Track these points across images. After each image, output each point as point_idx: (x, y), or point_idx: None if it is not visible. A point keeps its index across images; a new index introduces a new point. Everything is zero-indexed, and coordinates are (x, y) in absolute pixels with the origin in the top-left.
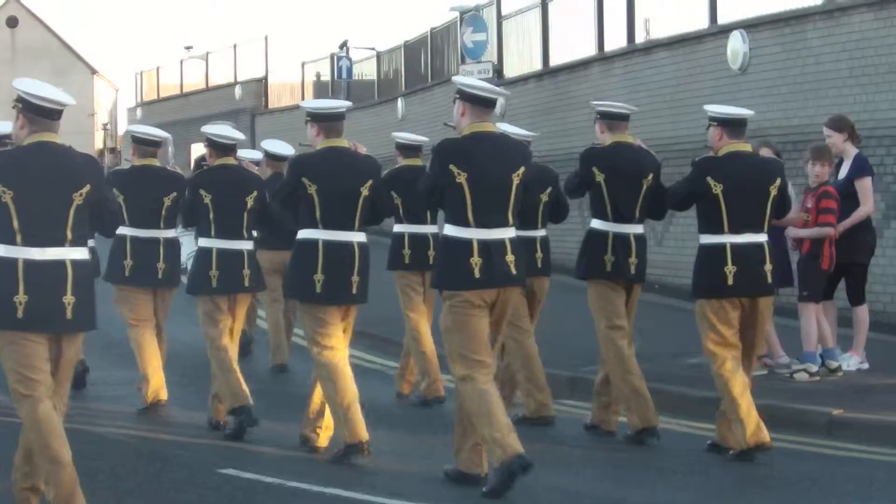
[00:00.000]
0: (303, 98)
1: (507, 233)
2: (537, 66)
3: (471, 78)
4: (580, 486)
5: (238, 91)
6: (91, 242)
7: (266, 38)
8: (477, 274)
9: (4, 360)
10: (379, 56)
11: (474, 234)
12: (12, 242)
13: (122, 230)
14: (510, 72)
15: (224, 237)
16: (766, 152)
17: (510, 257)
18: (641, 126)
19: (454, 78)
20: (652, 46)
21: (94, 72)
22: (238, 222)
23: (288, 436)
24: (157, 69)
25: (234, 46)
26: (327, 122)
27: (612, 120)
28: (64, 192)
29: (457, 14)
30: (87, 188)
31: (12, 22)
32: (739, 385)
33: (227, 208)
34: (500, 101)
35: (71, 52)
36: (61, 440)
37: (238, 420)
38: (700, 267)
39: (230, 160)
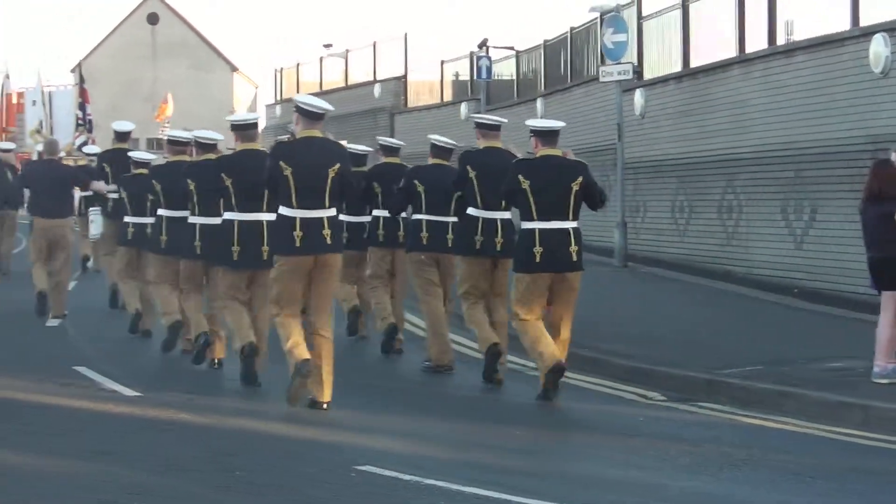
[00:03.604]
0: (441, 98)
1: (325, 213)
2: (677, 67)
3: (307, 96)
4: (715, 488)
5: (377, 89)
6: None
7: (406, 37)
8: (298, 244)
9: None
10: (518, 56)
11: (297, 213)
12: None
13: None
14: (650, 73)
15: (207, 215)
16: None
17: (326, 231)
18: (779, 129)
19: (294, 96)
20: (792, 49)
21: (233, 69)
22: (217, 203)
23: (426, 432)
24: (297, 66)
25: (374, 44)
26: (242, 130)
27: (485, 129)
28: None
29: (597, 14)
30: None
31: (153, 19)
32: (538, 334)
33: (209, 193)
34: (640, 102)
35: (211, 48)
36: None
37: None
38: (517, 248)
39: (211, 155)
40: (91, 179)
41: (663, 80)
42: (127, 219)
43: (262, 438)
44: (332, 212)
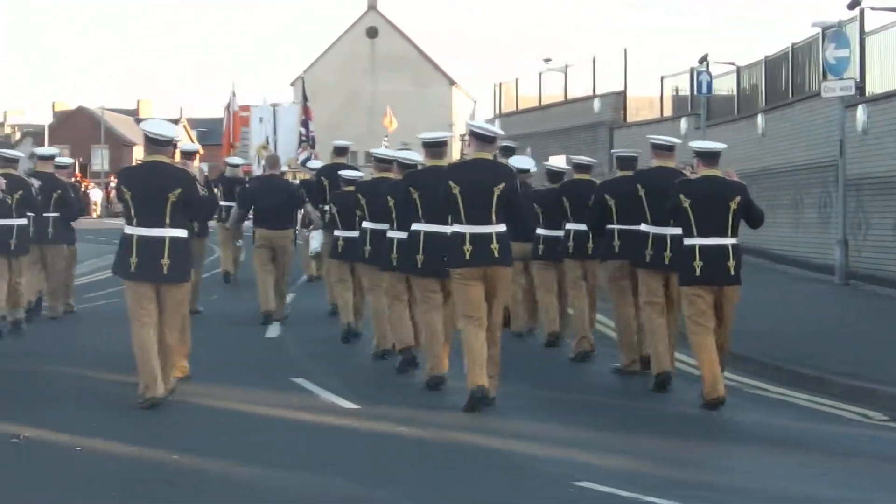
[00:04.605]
0: (661, 113)
1: (493, 228)
2: None
3: (479, 121)
4: None
5: (597, 104)
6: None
7: (625, 52)
8: (468, 256)
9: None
10: (739, 71)
11: (467, 229)
12: (130, 224)
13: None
14: (873, 88)
15: (405, 230)
16: None
17: (494, 245)
18: None
19: (468, 122)
20: None
21: (452, 83)
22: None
23: (642, 448)
24: (516, 81)
25: (593, 59)
26: (431, 147)
27: (659, 149)
28: (162, 192)
29: (819, 30)
30: (178, 191)
31: (372, 32)
32: (707, 346)
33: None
34: (862, 118)
35: (430, 62)
36: None
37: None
38: (680, 262)
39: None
40: (305, 201)
41: (887, 96)
42: (337, 233)
43: (480, 452)
44: (501, 227)
